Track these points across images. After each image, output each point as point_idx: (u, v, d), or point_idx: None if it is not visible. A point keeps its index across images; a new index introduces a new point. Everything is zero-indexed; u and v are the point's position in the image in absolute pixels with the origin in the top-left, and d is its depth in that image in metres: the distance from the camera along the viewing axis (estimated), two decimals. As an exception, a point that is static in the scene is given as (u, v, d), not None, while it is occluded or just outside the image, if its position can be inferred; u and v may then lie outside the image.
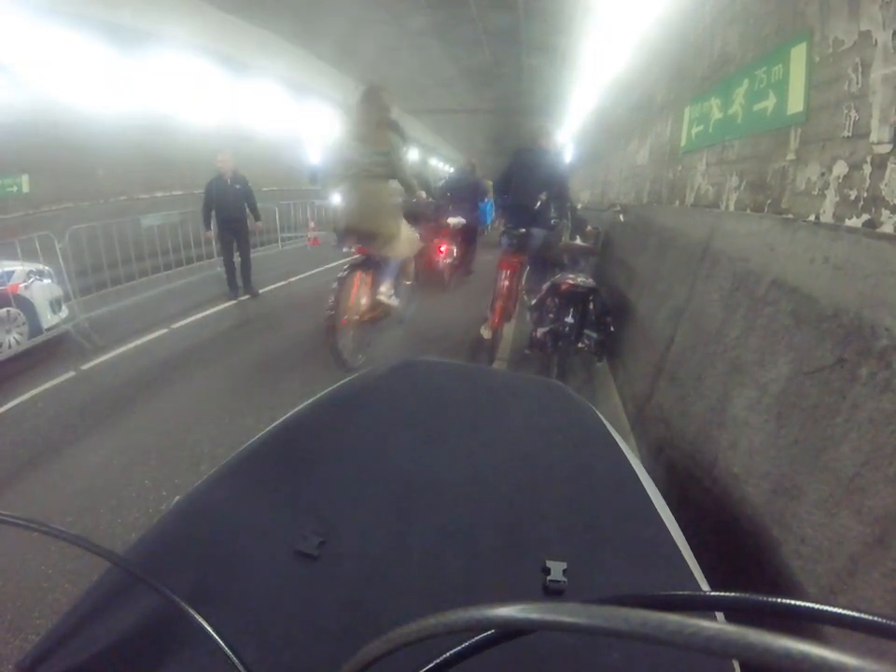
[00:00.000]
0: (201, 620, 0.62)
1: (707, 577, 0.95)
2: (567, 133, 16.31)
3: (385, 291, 5.01)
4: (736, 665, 0.75)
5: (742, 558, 1.90)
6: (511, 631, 0.45)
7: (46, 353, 5.38)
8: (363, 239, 4.78)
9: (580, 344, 4.59)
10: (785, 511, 1.75)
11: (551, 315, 4.75)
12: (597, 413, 1.52)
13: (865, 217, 1.90)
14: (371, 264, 4.97)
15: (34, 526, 0.68)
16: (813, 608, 0.40)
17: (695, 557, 0.99)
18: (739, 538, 1.94)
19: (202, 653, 0.67)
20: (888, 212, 1.78)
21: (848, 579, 1.43)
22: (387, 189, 4.82)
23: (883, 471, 1.40)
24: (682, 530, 1.07)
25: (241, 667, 0.59)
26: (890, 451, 1.39)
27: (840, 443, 1.59)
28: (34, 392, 4.48)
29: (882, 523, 1.37)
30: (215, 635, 0.61)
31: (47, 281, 5.56)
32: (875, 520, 1.39)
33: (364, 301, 4.96)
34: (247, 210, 7.66)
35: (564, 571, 0.83)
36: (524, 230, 5.57)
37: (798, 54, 2.48)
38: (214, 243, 8.45)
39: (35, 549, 2.56)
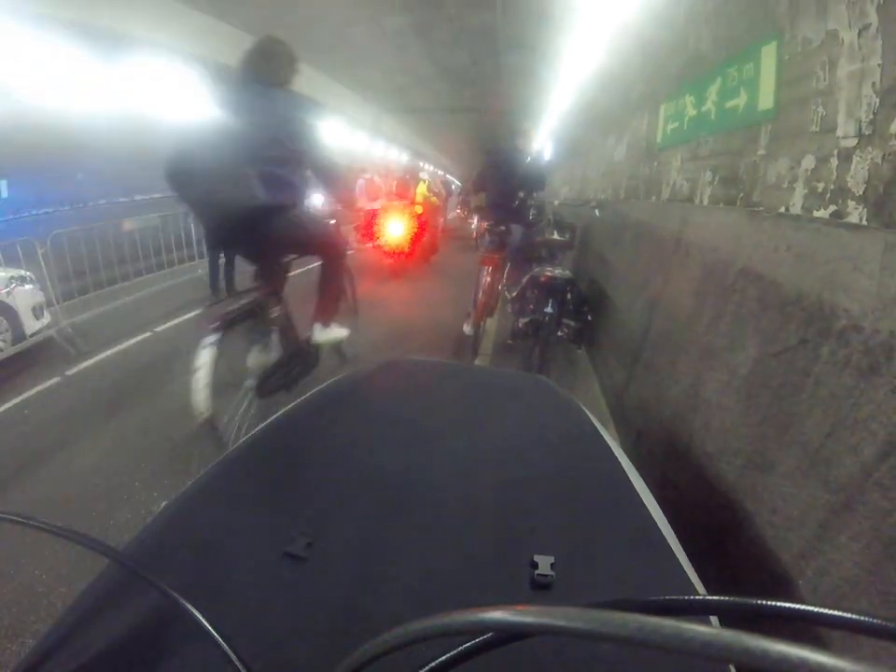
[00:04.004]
0: (199, 616, 0.63)
1: (686, 551, 0.98)
2: (546, 131, 16.38)
3: None
4: (733, 668, 0.76)
5: (718, 530, 1.98)
6: (505, 636, 0.46)
7: (30, 359, 5.32)
8: None
9: (559, 333, 4.72)
10: (757, 484, 1.84)
11: (531, 307, 4.88)
12: (582, 406, 1.53)
13: (832, 207, 1.98)
14: None
15: (32, 524, 0.69)
16: (809, 610, 0.41)
17: (678, 538, 1.01)
18: (715, 512, 2.03)
19: (200, 649, 0.66)
20: (853, 203, 1.86)
21: (818, 544, 1.52)
22: None
23: (845, 442, 1.49)
24: (664, 513, 1.09)
25: (240, 667, 0.59)
26: (851, 423, 1.48)
27: (805, 418, 1.68)
28: (19, 399, 4.44)
29: (847, 490, 1.46)
30: (213, 630, 0.62)
31: (29, 286, 5.50)
32: (840, 488, 1.48)
33: None
34: None
35: (551, 565, 0.83)
36: (503, 227, 5.65)
37: (769, 53, 2.56)
38: (195, 245, 8.41)
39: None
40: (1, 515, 0.68)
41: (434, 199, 12.86)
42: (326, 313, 3.62)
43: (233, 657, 0.60)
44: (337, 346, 4.17)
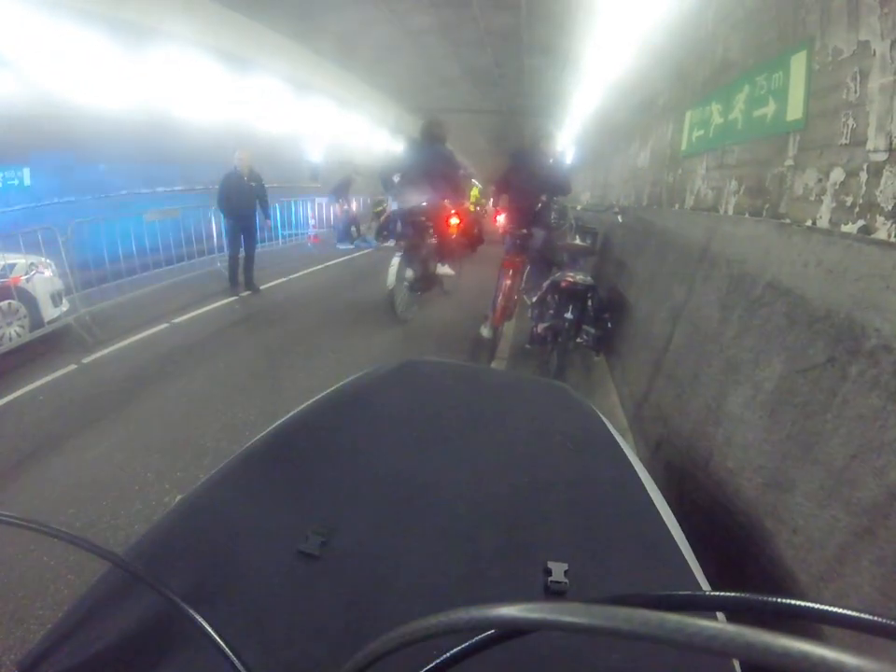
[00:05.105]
0: (201, 620, 0.63)
1: (703, 568, 0.97)
2: (569, 135, 16.35)
3: None
4: (736, 664, 0.76)
5: (737, 549, 1.95)
6: (511, 631, 0.46)
7: (47, 346, 5.38)
8: None
9: (578, 339, 4.67)
10: (778, 503, 1.80)
11: (551, 312, 4.83)
12: (600, 414, 1.52)
13: (860, 223, 1.95)
14: None
15: (34, 527, 0.68)
16: (814, 608, 0.40)
17: (694, 553, 1.01)
18: (734, 529, 2.00)
19: (202, 654, 0.66)
20: (882, 218, 1.83)
21: (838, 567, 1.49)
22: None
23: (871, 464, 1.46)
24: (680, 525, 1.08)
25: (241, 667, 0.59)
26: (878, 445, 1.45)
27: (830, 438, 1.64)
28: (35, 385, 4.49)
29: (870, 513, 1.42)
30: (214, 634, 0.61)
31: (48, 274, 5.56)
32: (864, 511, 1.45)
33: None
34: (258, 207, 7.79)
35: (565, 572, 0.82)
36: (525, 230, 5.64)
37: (798, 62, 2.52)
38: (215, 238, 8.48)
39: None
40: (5, 518, 0.67)
41: (483, 200, 16.62)
42: (441, 257, 7.13)
43: (234, 659, 0.59)
44: (442, 280, 7.52)
